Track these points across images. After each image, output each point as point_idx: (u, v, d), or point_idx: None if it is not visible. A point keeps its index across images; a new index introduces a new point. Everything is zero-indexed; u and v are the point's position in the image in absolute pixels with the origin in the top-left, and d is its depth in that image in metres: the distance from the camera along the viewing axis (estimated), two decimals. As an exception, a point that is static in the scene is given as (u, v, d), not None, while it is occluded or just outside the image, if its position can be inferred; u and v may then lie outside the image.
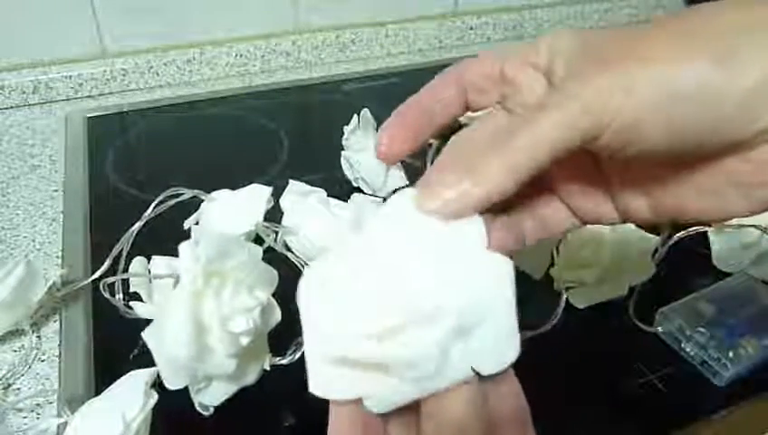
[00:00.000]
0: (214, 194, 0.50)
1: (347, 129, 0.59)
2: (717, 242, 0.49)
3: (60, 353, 0.42)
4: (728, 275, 0.48)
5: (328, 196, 0.49)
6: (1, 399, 0.39)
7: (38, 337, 0.43)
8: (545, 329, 0.41)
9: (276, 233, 0.48)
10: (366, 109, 0.55)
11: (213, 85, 0.82)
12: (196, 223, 0.49)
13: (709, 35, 0.18)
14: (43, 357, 0.42)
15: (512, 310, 0.20)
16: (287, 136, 0.70)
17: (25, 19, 0.72)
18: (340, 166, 0.60)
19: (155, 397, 0.34)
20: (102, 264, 0.45)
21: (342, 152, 0.59)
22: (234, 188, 0.51)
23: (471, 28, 0.97)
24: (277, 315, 0.37)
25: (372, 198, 0.55)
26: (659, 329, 0.44)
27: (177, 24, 0.80)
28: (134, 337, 0.35)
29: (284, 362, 0.37)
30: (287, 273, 0.39)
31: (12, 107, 0.75)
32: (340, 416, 0.20)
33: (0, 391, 0.39)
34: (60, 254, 0.52)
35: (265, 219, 0.49)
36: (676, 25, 0.19)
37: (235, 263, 0.34)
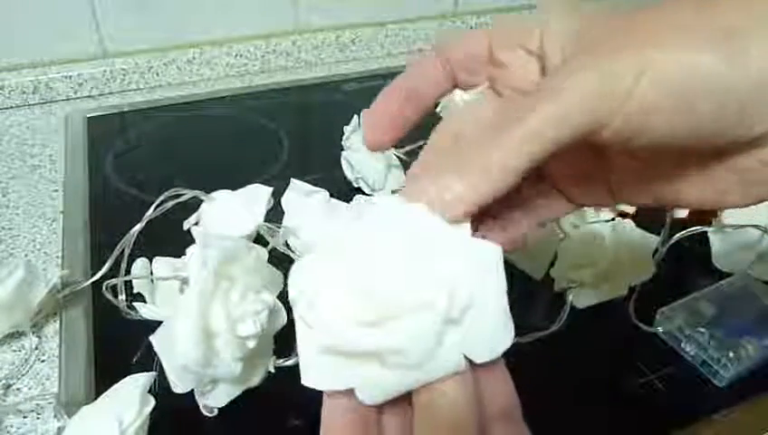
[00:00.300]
0: (214, 194, 0.50)
1: (347, 129, 0.59)
2: (717, 242, 0.49)
3: (60, 354, 0.42)
4: (728, 275, 0.48)
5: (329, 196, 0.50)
6: (1, 399, 0.39)
7: (38, 338, 0.43)
8: (551, 331, 0.41)
9: (277, 234, 0.48)
10: (366, 109, 0.55)
11: (213, 85, 0.82)
12: (196, 223, 0.49)
13: (714, 26, 0.17)
14: (43, 358, 0.42)
15: (502, 296, 0.20)
16: (287, 136, 0.70)
17: (25, 19, 0.72)
18: (341, 166, 0.60)
19: (151, 403, 0.34)
20: (103, 265, 0.44)
21: (342, 152, 0.59)
22: (234, 188, 0.51)
23: (471, 28, 0.97)
24: (283, 318, 0.37)
25: (373, 197, 0.55)
26: (659, 329, 0.44)
27: (177, 24, 0.80)
28: (134, 338, 0.35)
29: (289, 363, 0.37)
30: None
31: (12, 107, 0.75)
32: (332, 408, 0.20)
33: (0, 391, 0.39)
34: (60, 254, 0.52)
35: (266, 220, 0.49)
36: (676, 12, 0.18)
37: (243, 266, 0.34)
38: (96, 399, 0.35)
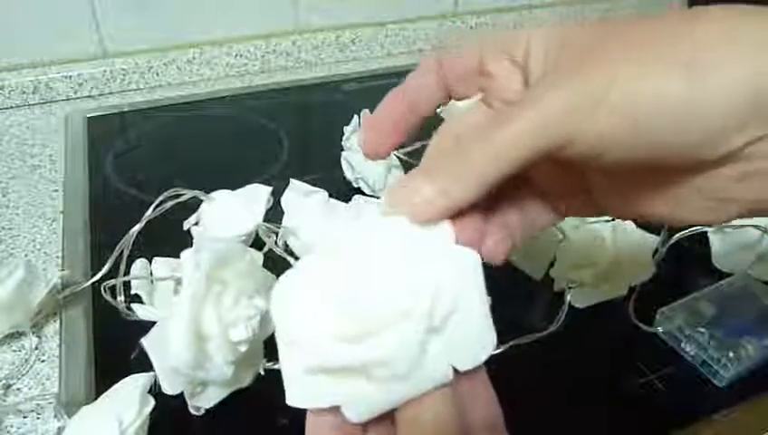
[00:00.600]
0: (214, 194, 0.50)
1: (347, 129, 0.59)
2: (717, 242, 0.49)
3: (60, 355, 0.42)
4: (728, 275, 0.48)
5: (328, 196, 0.49)
6: (1, 399, 0.39)
7: (38, 338, 0.43)
8: (550, 331, 0.41)
9: (276, 234, 0.48)
10: (366, 109, 0.55)
11: (213, 85, 0.82)
12: (196, 223, 0.49)
13: (685, 46, 0.17)
14: (43, 358, 0.42)
15: (484, 303, 0.20)
16: (287, 136, 0.70)
17: (25, 19, 0.72)
18: (341, 166, 0.60)
19: (151, 403, 0.34)
20: (103, 265, 0.45)
21: (342, 152, 0.59)
22: (234, 188, 0.51)
23: (471, 28, 0.97)
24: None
25: (372, 198, 0.55)
26: (659, 329, 0.44)
27: (177, 24, 0.80)
28: (134, 338, 0.35)
29: (279, 366, 0.37)
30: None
31: (12, 107, 0.75)
32: (317, 425, 0.20)
33: (0, 391, 0.39)
34: (60, 254, 0.52)
35: (265, 220, 0.49)
36: (651, 32, 0.18)
37: (235, 270, 0.34)
38: (96, 399, 0.35)
